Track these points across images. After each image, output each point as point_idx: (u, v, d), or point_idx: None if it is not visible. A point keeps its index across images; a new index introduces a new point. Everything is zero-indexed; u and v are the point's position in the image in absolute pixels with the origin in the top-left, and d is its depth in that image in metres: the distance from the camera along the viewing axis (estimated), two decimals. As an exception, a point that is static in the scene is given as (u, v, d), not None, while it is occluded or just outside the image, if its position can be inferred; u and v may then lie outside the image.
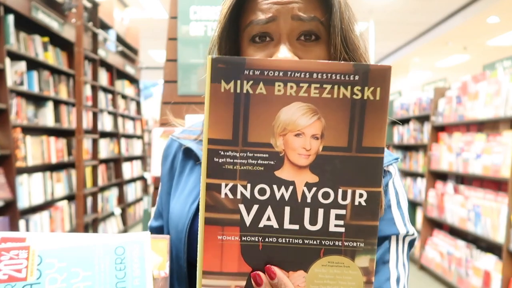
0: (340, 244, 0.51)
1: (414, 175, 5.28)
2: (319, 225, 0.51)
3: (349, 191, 0.50)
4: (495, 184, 3.61)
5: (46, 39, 4.03)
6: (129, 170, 6.47)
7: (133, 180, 6.71)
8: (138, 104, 7.28)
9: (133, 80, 7.09)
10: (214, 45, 0.70)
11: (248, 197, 0.50)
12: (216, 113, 0.49)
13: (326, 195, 0.51)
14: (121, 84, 6.43)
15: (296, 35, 0.65)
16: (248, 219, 0.51)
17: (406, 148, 5.56)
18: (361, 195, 0.50)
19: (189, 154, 0.76)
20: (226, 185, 0.50)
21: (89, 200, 4.71)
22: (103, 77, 5.57)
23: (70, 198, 4.38)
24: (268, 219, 0.51)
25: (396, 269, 0.67)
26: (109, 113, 5.75)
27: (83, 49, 4.12)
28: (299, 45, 0.65)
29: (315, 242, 0.51)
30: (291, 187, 0.50)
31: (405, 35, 9.23)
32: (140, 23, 7.83)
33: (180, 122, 0.82)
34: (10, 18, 3.36)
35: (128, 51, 6.54)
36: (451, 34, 8.11)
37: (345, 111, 0.49)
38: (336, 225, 0.51)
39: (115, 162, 5.86)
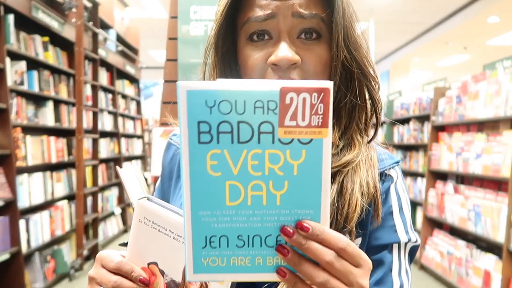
0: None
1: (414, 175, 5.28)
2: None
3: None
4: (495, 184, 3.61)
5: (46, 38, 4.03)
6: (129, 170, 6.47)
7: (133, 180, 6.70)
8: (138, 104, 7.28)
9: (133, 80, 7.09)
10: (210, 44, 0.68)
11: None
12: None
13: None
14: (121, 84, 6.43)
15: (296, 33, 0.62)
16: None
17: (406, 148, 5.56)
18: None
19: None
20: None
21: (89, 199, 4.72)
22: (103, 77, 5.57)
23: (70, 197, 4.38)
24: None
25: (398, 277, 0.65)
26: (109, 112, 5.75)
27: (83, 49, 4.12)
28: (299, 44, 0.62)
29: None
30: None
31: (405, 35, 9.22)
32: (140, 23, 7.83)
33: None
34: (10, 18, 3.36)
35: (128, 50, 6.54)
36: (451, 34, 8.11)
37: None
38: None
39: (115, 162, 5.86)
